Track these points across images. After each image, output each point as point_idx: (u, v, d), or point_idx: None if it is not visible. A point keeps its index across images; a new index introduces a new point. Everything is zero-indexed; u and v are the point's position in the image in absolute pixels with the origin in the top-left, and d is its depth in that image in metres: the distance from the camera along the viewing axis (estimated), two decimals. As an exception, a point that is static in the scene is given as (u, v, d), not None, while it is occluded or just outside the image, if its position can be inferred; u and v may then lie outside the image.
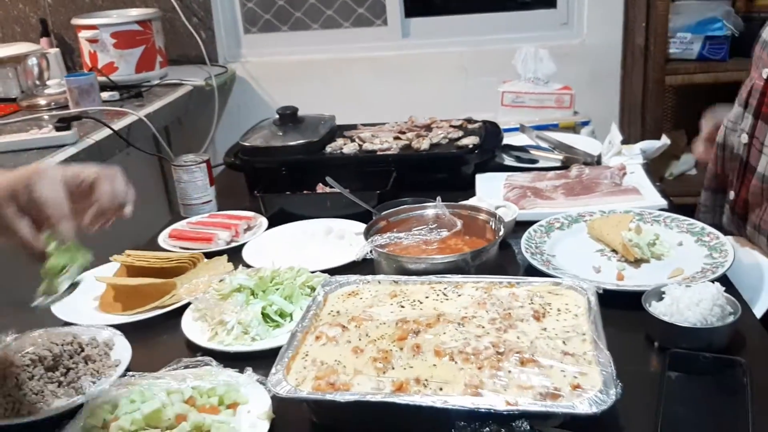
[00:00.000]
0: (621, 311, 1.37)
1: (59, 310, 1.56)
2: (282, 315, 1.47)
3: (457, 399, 1.06)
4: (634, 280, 1.52)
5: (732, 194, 1.91)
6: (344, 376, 1.14)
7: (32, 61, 2.92)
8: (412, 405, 1.06)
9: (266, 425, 1.14)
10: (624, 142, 2.26)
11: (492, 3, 3.49)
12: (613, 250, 1.65)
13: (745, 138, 1.84)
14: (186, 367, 1.27)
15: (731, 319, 1.28)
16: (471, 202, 1.82)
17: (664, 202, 1.85)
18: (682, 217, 1.73)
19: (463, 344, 1.19)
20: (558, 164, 2.22)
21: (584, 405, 1.02)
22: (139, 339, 1.44)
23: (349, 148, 2.21)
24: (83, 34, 3.07)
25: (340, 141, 2.27)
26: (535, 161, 2.27)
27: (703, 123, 2.09)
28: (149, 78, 3.16)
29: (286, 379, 1.14)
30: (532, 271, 1.56)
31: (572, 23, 3.39)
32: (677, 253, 1.61)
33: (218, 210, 2.11)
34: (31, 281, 1.25)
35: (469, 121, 2.38)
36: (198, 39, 3.41)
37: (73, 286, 1.17)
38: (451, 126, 2.33)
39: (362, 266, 1.61)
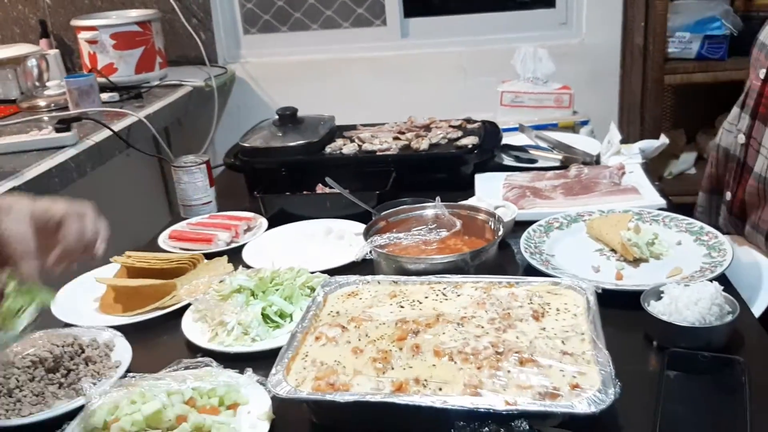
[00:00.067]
0: (620, 311, 1.37)
1: (60, 311, 1.57)
2: (282, 316, 1.47)
3: (456, 399, 1.06)
4: (633, 279, 1.53)
5: (729, 195, 1.92)
6: (344, 377, 1.15)
7: (32, 62, 2.92)
8: (411, 405, 1.06)
9: (266, 426, 1.14)
10: (623, 141, 2.26)
11: (491, 3, 3.49)
12: (612, 250, 1.65)
13: (742, 138, 1.84)
14: (186, 368, 1.27)
15: (730, 318, 1.28)
16: (470, 202, 1.82)
17: (662, 202, 1.85)
18: (680, 217, 1.73)
19: (463, 344, 1.19)
20: (557, 164, 2.22)
21: (583, 404, 1.03)
22: (139, 340, 1.44)
23: (349, 148, 2.21)
24: (83, 36, 3.07)
25: (339, 141, 2.27)
26: (534, 161, 2.27)
27: None
28: (149, 79, 3.16)
29: (286, 379, 1.14)
30: (531, 271, 1.57)
31: (571, 23, 3.39)
32: (676, 253, 1.62)
33: (218, 211, 2.11)
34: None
35: (469, 121, 2.38)
36: (197, 40, 3.42)
37: (31, 325, 1.12)
38: (450, 126, 2.33)
39: (362, 267, 1.61)
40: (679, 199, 2.52)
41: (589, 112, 2.77)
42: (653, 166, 2.85)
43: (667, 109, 3.36)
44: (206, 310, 1.49)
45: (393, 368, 1.16)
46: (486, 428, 1.03)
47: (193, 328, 1.47)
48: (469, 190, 2.00)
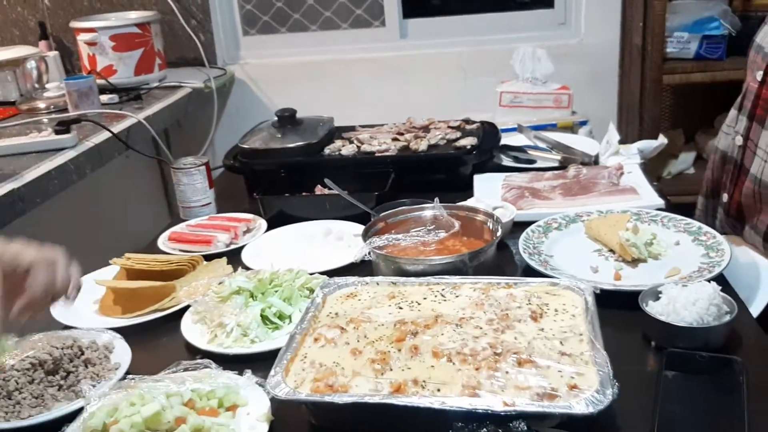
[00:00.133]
0: (618, 311, 1.38)
1: (59, 313, 1.57)
2: (281, 317, 1.47)
3: (454, 400, 1.07)
4: (631, 279, 1.53)
5: (725, 197, 1.92)
6: (342, 378, 1.15)
7: (31, 64, 2.93)
8: (410, 406, 1.07)
9: (265, 427, 1.15)
10: (621, 141, 2.26)
11: (490, 3, 3.49)
12: (611, 250, 1.65)
13: (739, 140, 1.85)
14: (185, 369, 1.27)
15: (727, 318, 1.28)
16: (469, 202, 1.82)
17: (661, 202, 1.85)
18: (679, 217, 1.73)
19: (461, 345, 1.20)
20: (556, 164, 2.23)
21: (581, 405, 1.03)
22: (138, 342, 1.45)
23: (348, 149, 2.21)
24: (82, 37, 3.07)
25: (338, 142, 2.27)
26: (533, 161, 2.27)
27: None
28: (148, 80, 3.15)
29: (284, 381, 1.15)
30: (530, 272, 1.57)
31: (570, 23, 3.39)
32: (674, 253, 1.62)
33: (218, 212, 2.12)
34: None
35: (467, 121, 2.38)
36: (197, 41, 3.41)
37: None
38: (449, 127, 2.33)
39: (361, 268, 1.62)
40: (678, 199, 2.52)
41: (588, 112, 2.78)
42: (652, 166, 2.85)
43: (665, 109, 3.36)
44: (205, 312, 1.49)
45: (392, 369, 1.16)
46: (484, 429, 1.03)
47: (192, 330, 1.47)
48: (467, 191, 2.00)
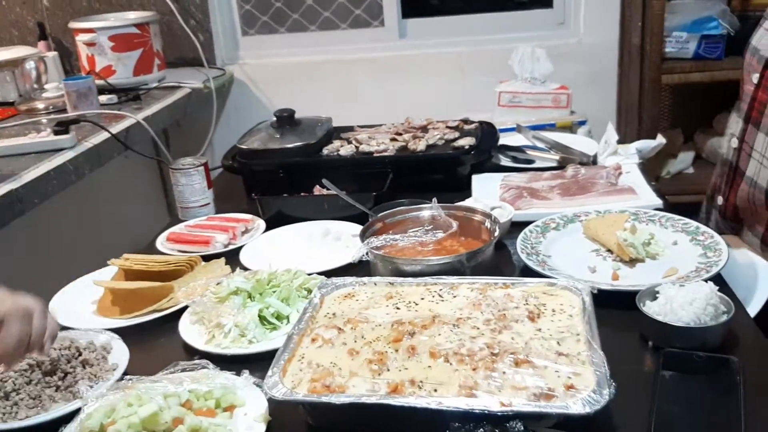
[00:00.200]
0: (616, 311, 1.38)
1: (57, 314, 1.57)
2: (279, 317, 1.47)
3: (451, 400, 1.07)
4: (629, 279, 1.53)
5: (720, 199, 1.93)
6: (340, 378, 1.15)
7: (30, 64, 2.93)
8: (406, 406, 1.07)
9: (262, 428, 1.15)
10: (620, 141, 2.26)
11: (489, 3, 3.49)
12: (609, 250, 1.66)
13: (735, 142, 1.85)
14: (183, 370, 1.27)
15: (725, 318, 1.28)
16: (467, 203, 1.82)
17: (659, 202, 1.86)
18: (677, 217, 1.73)
19: (458, 345, 1.20)
20: (554, 164, 2.23)
21: (578, 405, 1.03)
22: (136, 342, 1.45)
23: (346, 149, 2.21)
24: (81, 38, 3.07)
25: (337, 143, 2.27)
26: (531, 161, 2.27)
27: None
28: (147, 81, 3.15)
29: (282, 381, 1.15)
30: (527, 272, 1.57)
31: (569, 23, 3.39)
32: (672, 253, 1.62)
33: (216, 213, 2.12)
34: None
35: (466, 121, 2.38)
36: (196, 41, 3.41)
37: None
38: (447, 127, 2.34)
39: (359, 268, 1.62)
40: (677, 199, 2.52)
41: (587, 112, 2.78)
42: (651, 166, 2.85)
43: (664, 108, 3.36)
44: (203, 313, 1.49)
45: (389, 370, 1.16)
46: (481, 429, 1.04)
47: (190, 331, 1.48)
48: (466, 191, 2.01)
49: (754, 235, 1.81)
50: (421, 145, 2.17)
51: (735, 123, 1.89)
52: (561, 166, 2.18)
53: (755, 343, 1.32)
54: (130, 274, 1.71)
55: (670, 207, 1.85)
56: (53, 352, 1.31)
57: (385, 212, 1.74)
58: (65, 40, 3.50)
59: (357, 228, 1.72)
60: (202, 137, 3.36)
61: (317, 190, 2.08)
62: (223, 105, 3.54)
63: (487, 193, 1.98)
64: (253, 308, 1.46)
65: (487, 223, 1.67)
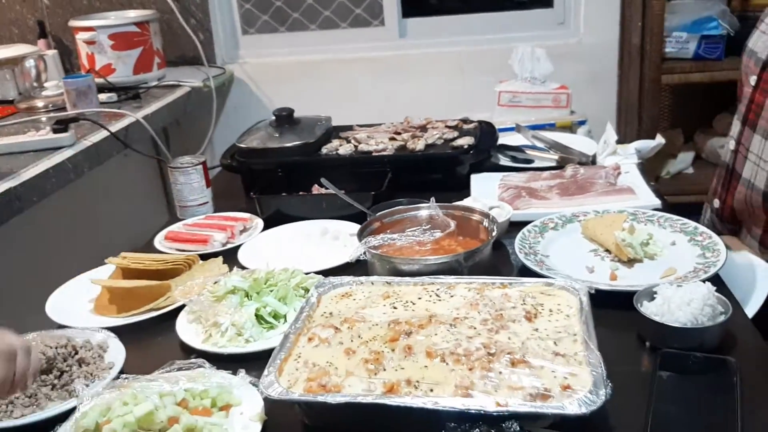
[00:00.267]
0: (613, 311, 1.38)
1: (54, 312, 1.57)
2: (276, 316, 1.47)
3: (447, 400, 1.07)
4: (626, 280, 1.53)
5: (717, 202, 1.92)
6: (336, 378, 1.15)
7: (30, 63, 2.93)
8: (402, 406, 1.07)
9: (258, 427, 1.15)
10: (620, 141, 2.26)
11: (489, 3, 3.49)
12: (607, 250, 1.65)
13: (732, 145, 1.85)
14: (179, 369, 1.27)
15: (722, 318, 1.28)
16: (465, 202, 1.82)
17: (658, 202, 1.85)
18: (675, 217, 1.73)
19: (455, 345, 1.20)
20: (553, 164, 2.22)
21: (574, 406, 1.03)
22: (133, 341, 1.45)
23: (345, 149, 2.21)
24: (81, 36, 3.06)
25: (335, 142, 2.27)
26: (530, 161, 2.27)
27: None
28: (147, 79, 3.15)
29: (278, 380, 1.15)
30: (525, 272, 1.57)
31: (569, 23, 3.38)
32: (670, 253, 1.62)
33: (215, 211, 2.11)
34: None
35: (465, 121, 2.38)
36: (196, 40, 3.41)
37: None
38: (446, 126, 2.33)
39: (356, 267, 1.61)
40: (677, 199, 2.52)
41: (587, 112, 2.77)
42: (651, 166, 2.85)
43: (664, 108, 3.36)
44: (200, 311, 1.49)
45: (385, 369, 1.16)
46: (477, 429, 1.04)
47: (187, 329, 1.47)
48: (465, 191, 2.00)
49: (752, 237, 1.81)
50: (419, 145, 2.17)
51: (734, 126, 1.89)
52: (560, 165, 2.18)
53: (753, 344, 1.32)
54: (128, 273, 1.70)
55: (668, 207, 1.85)
56: (49, 350, 1.31)
57: (383, 211, 1.74)
58: (65, 39, 3.50)
59: (355, 227, 1.72)
60: (201, 136, 3.36)
61: (316, 189, 2.08)
62: (223, 104, 3.54)
63: (486, 192, 1.98)
64: (250, 307, 1.46)
65: (485, 223, 1.66)
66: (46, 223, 2.50)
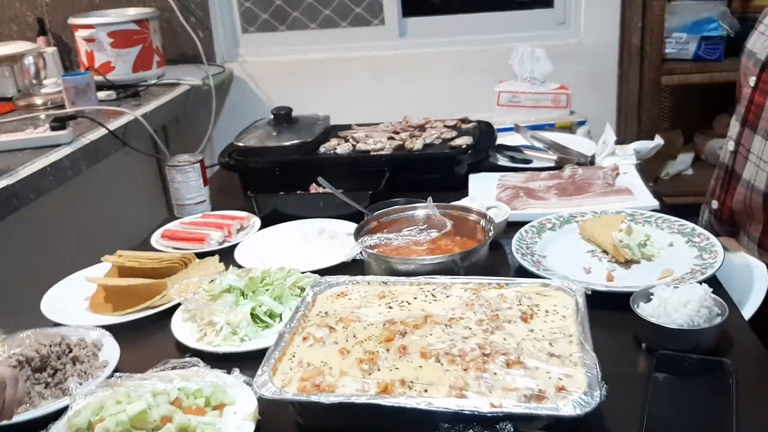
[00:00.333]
0: (610, 312, 1.37)
1: (49, 310, 1.57)
2: (271, 316, 1.47)
3: (441, 401, 1.06)
4: (623, 281, 1.52)
5: (715, 203, 1.92)
6: (330, 378, 1.15)
7: (29, 60, 2.93)
8: (396, 407, 1.06)
9: (252, 426, 1.14)
10: (620, 142, 2.25)
11: (489, 2, 3.48)
12: (604, 251, 1.65)
13: (731, 145, 1.84)
14: (173, 368, 1.26)
15: (718, 320, 1.28)
16: (463, 202, 1.81)
17: (656, 203, 1.85)
18: (673, 218, 1.73)
19: (450, 346, 1.19)
20: (552, 164, 2.22)
21: (568, 407, 1.03)
22: (129, 340, 1.44)
23: (343, 148, 2.21)
24: (80, 34, 3.06)
25: (334, 141, 2.27)
26: (529, 161, 2.26)
27: None
28: (146, 77, 3.15)
29: (272, 380, 1.14)
30: (522, 272, 1.56)
31: (569, 23, 3.38)
32: (667, 254, 1.61)
33: (213, 210, 2.11)
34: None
35: (464, 121, 2.37)
36: (195, 38, 3.41)
37: None
38: (445, 126, 2.33)
39: (353, 267, 1.61)
40: (676, 200, 2.52)
41: (587, 112, 2.77)
42: (650, 167, 2.85)
43: (664, 109, 3.35)
44: (196, 310, 1.49)
45: (379, 369, 1.16)
46: (471, 430, 1.03)
47: (182, 328, 1.47)
48: (463, 191, 2.00)
49: (750, 239, 1.81)
50: (418, 144, 2.17)
51: (733, 127, 1.88)
52: (558, 166, 2.17)
53: (749, 346, 1.31)
54: (124, 271, 1.70)
55: (667, 208, 1.84)
56: (43, 348, 1.31)
57: (379, 211, 1.73)
58: (65, 36, 3.50)
59: (352, 226, 1.71)
60: (201, 135, 3.36)
61: (314, 189, 2.07)
62: (222, 102, 3.53)
63: (484, 192, 1.97)
64: (246, 306, 1.45)
65: (483, 223, 1.66)
66: (43, 220, 2.50)
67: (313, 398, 1.10)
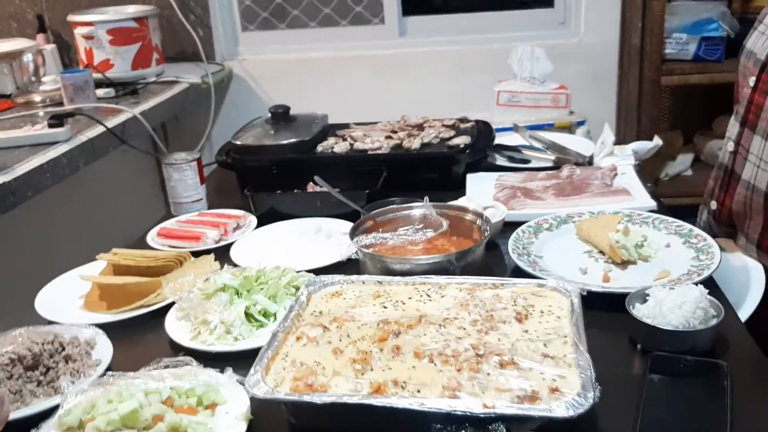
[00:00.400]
0: (606, 313, 1.37)
1: (43, 308, 1.56)
2: (266, 315, 1.46)
3: (433, 401, 1.06)
4: (620, 281, 1.52)
5: (714, 204, 1.91)
6: (322, 377, 1.14)
7: (27, 57, 2.92)
8: (388, 407, 1.05)
9: (243, 426, 1.14)
10: (620, 142, 2.25)
11: (489, 2, 3.48)
12: (601, 252, 1.64)
13: (731, 146, 1.83)
14: (166, 367, 1.26)
15: (714, 322, 1.27)
16: (459, 202, 1.81)
17: (653, 204, 1.84)
18: (670, 219, 1.72)
19: (443, 346, 1.18)
20: (550, 164, 2.21)
21: (561, 408, 1.02)
22: (123, 338, 1.44)
23: (340, 147, 2.20)
24: (79, 31, 3.06)
25: (331, 140, 2.26)
26: (527, 161, 2.26)
27: None
28: (145, 75, 3.15)
29: (264, 380, 1.14)
30: (519, 273, 1.56)
31: (569, 23, 3.37)
32: (664, 255, 1.61)
33: (210, 208, 2.10)
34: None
35: (462, 120, 2.37)
36: (195, 36, 3.40)
37: None
38: (443, 125, 2.32)
39: (349, 266, 1.61)
40: (675, 201, 2.51)
41: (587, 112, 2.76)
42: (650, 168, 2.84)
43: (664, 110, 3.35)
44: (190, 309, 1.48)
45: (372, 369, 1.15)
46: (463, 431, 1.02)
47: (176, 327, 1.46)
48: (460, 190, 1.99)
49: (748, 240, 1.80)
50: (415, 144, 2.16)
51: (732, 127, 1.88)
52: (557, 166, 2.16)
53: (744, 348, 1.30)
54: (119, 269, 1.69)
55: (664, 209, 1.84)
56: (35, 346, 1.30)
57: (376, 210, 1.73)
58: (64, 33, 3.49)
59: (349, 226, 1.71)
60: (200, 133, 3.36)
61: (311, 187, 2.06)
62: (222, 101, 3.53)
63: (482, 192, 1.97)
64: (240, 305, 1.44)
65: (479, 223, 1.65)
66: (40, 218, 2.49)
67: (305, 398, 1.09)
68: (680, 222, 1.70)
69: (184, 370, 1.24)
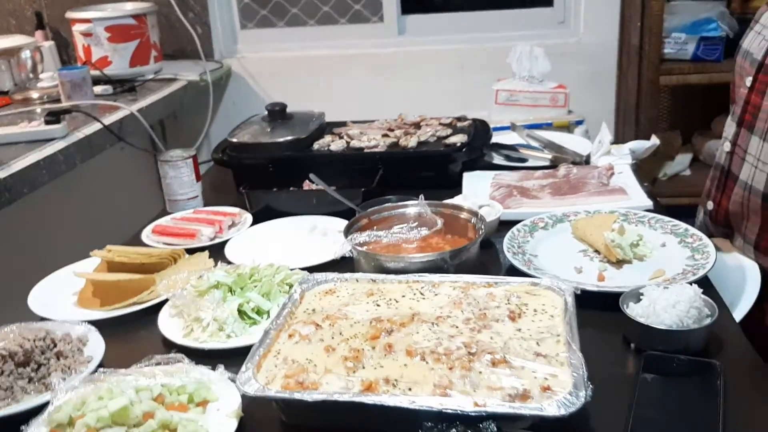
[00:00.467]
0: (600, 312, 1.36)
1: (36, 305, 1.56)
2: (259, 312, 1.46)
3: (424, 399, 1.05)
4: (614, 281, 1.51)
5: (711, 204, 1.90)
6: (314, 375, 1.14)
7: (25, 54, 2.92)
8: (379, 405, 1.05)
9: (234, 423, 1.13)
10: (618, 141, 2.24)
11: (488, 1, 3.47)
12: (596, 251, 1.64)
13: (728, 146, 1.83)
14: (158, 363, 1.26)
15: (708, 321, 1.27)
16: (455, 200, 1.80)
17: (649, 203, 1.84)
18: (666, 218, 1.71)
19: (435, 344, 1.18)
20: (547, 163, 2.21)
21: (552, 407, 1.02)
22: (116, 335, 1.44)
23: (337, 145, 2.19)
24: (77, 28, 3.05)
25: (328, 138, 2.26)
26: (524, 160, 2.25)
27: None
28: (143, 72, 3.14)
29: (255, 377, 1.13)
30: (513, 271, 1.55)
31: (569, 22, 3.37)
32: (660, 254, 1.60)
33: (207, 206, 2.10)
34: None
35: (460, 119, 2.36)
36: (194, 34, 3.39)
37: None
38: (440, 124, 2.31)
39: (343, 264, 1.60)
40: (673, 201, 2.51)
41: (586, 112, 2.75)
42: (648, 167, 2.84)
43: (663, 110, 3.34)
44: (183, 306, 1.47)
45: (364, 367, 1.15)
46: (454, 429, 1.02)
47: (169, 324, 1.46)
48: (457, 189, 1.99)
49: (745, 241, 1.79)
50: (412, 142, 2.15)
51: (729, 127, 1.87)
52: (553, 165, 2.16)
53: (739, 347, 1.30)
54: (113, 266, 1.69)
55: (661, 208, 1.83)
56: (27, 343, 1.30)
57: (371, 209, 1.72)
58: (63, 30, 3.48)
59: (345, 224, 1.70)
60: (198, 130, 3.35)
61: (307, 185, 2.06)
62: (220, 98, 3.52)
63: (478, 191, 1.96)
64: (233, 303, 1.44)
65: (474, 221, 1.65)
66: (36, 215, 2.49)
67: (296, 396, 1.09)
68: (676, 221, 1.70)
69: (176, 367, 1.24)
